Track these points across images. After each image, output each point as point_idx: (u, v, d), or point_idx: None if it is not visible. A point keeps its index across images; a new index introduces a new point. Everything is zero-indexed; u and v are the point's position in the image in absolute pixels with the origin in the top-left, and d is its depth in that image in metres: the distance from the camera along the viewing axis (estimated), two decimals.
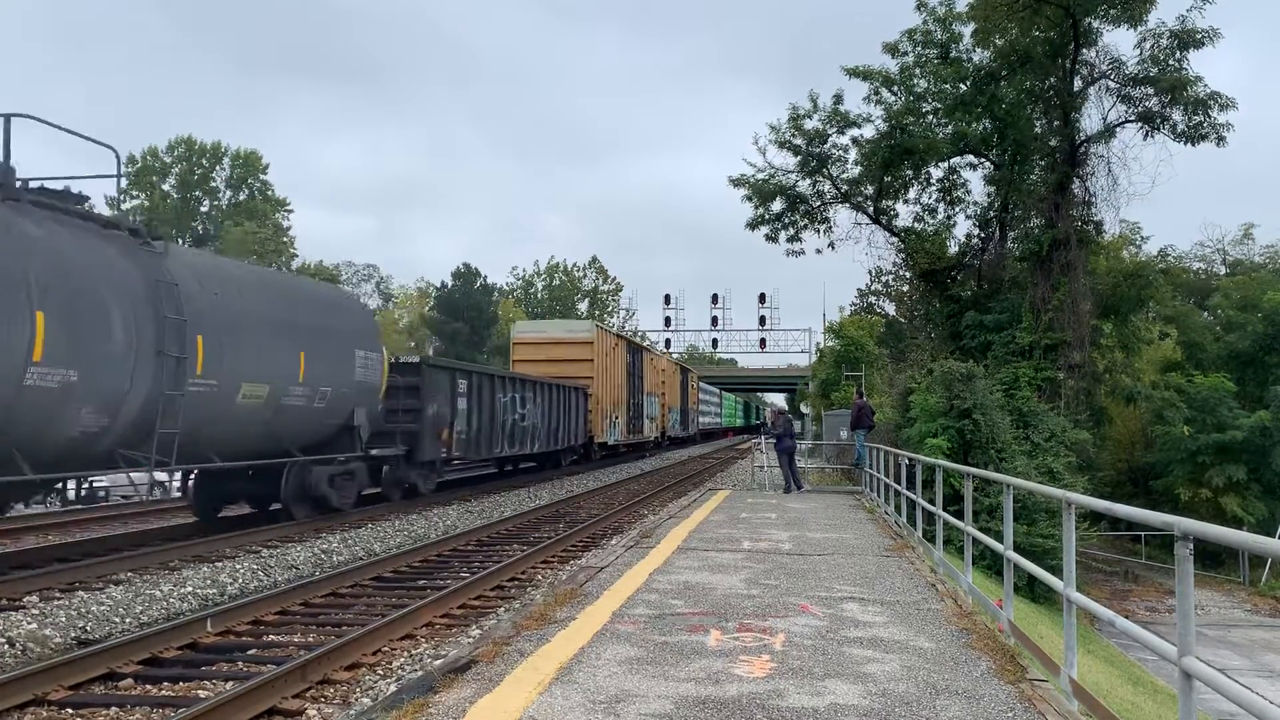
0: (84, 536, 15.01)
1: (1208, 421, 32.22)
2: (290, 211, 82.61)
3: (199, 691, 7.28)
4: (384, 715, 5.19)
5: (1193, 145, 24.85)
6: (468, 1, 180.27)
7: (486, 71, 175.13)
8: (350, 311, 18.28)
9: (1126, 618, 5.77)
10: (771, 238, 30.02)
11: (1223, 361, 38.60)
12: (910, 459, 13.77)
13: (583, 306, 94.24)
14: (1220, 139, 24.50)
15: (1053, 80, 26.33)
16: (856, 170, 29.18)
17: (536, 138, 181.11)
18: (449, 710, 5.10)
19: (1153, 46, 24.65)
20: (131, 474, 14.53)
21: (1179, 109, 24.68)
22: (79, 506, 19.96)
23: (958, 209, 29.39)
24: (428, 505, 19.80)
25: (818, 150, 28.93)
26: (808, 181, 29.49)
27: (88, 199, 12.35)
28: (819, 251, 30.85)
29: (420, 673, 7.10)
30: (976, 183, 29.59)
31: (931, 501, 11.09)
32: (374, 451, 17.84)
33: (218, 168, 78.97)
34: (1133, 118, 25.58)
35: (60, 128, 12.18)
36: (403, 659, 8.26)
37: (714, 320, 73.63)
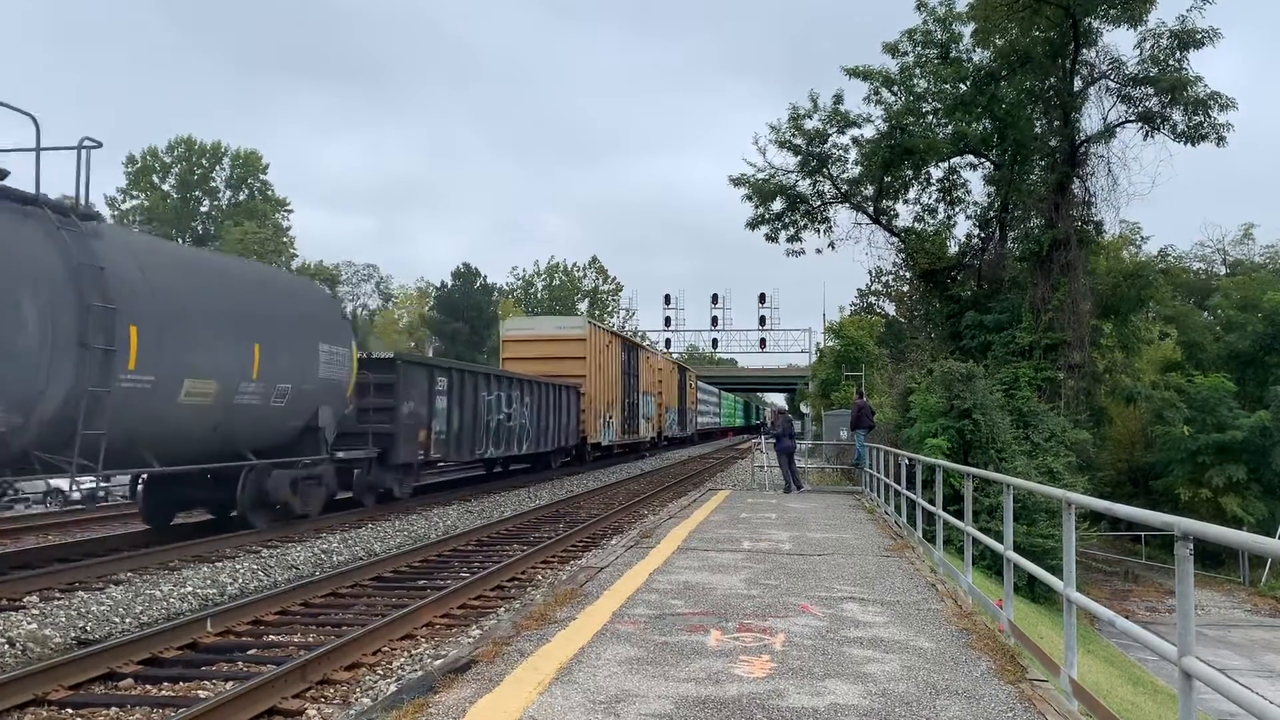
0: (84, 536, 15.01)
1: (1208, 421, 32.22)
2: (290, 211, 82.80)
3: (199, 691, 7.28)
4: (384, 715, 5.19)
5: (1193, 145, 24.89)
6: (468, 1, 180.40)
7: (487, 71, 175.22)
8: (314, 302, 16.91)
9: (1126, 618, 5.77)
10: (771, 238, 30.06)
11: (1223, 361, 38.60)
12: (910, 459, 13.77)
13: (583, 306, 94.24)
14: (1220, 139, 24.52)
15: (1053, 80, 26.34)
16: (856, 170, 29.23)
17: (537, 137, 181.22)
18: (449, 710, 5.10)
19: (1153, 46, 24.68)
20: (52, 480, 13.60)
21: (1179, 109, 24.69)
22: (79, 506, 19.99)
23: (958, 209, 29.44)
24: (427, 506, 19.78)
25: (818, 150, 28.94)
26: (808, 181, 29.53)
27: (4, 173, 10.80)
28: (819, 251, 30.91)
29: (420, 673, 7.10)
30: (976, 183, 29.67)
31: (931, 501, 11.09)
32: (341, 454, 16.72)
33: (218, 168, 79.04)
34: (1133, 118, 25.60)
35: None
36: (403, 659, 8.26)
37: (714, 320, 73.67)
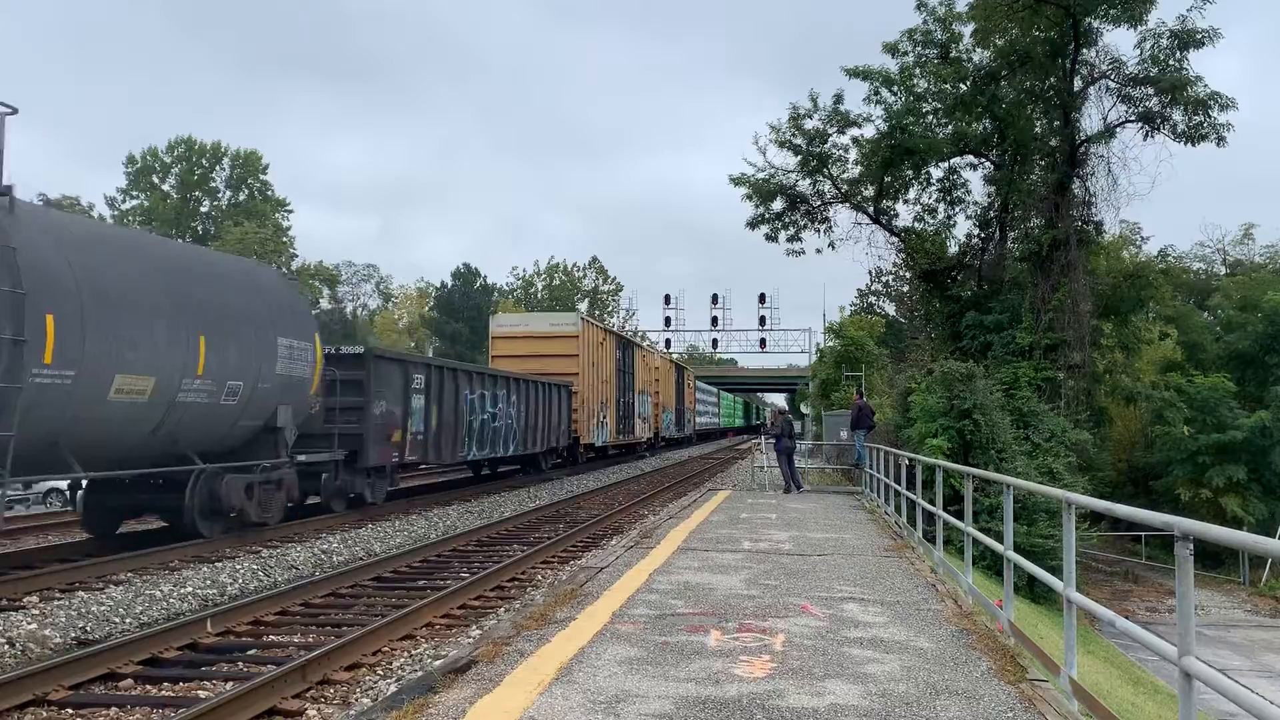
0: (84, 537, 15.02)
1: (1208, 421, 32.20)
2: (290, 211, 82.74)
3: (199, 691, 7.28)
4: (384, 715, 5.19)
5: (1193, 145, 24.89)
6: (469, 1, 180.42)
7: (488, 71, 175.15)
8: (272, 291, 15.46)
9: (1126, 618, 5.77)
10: (771, 237, 30.05)
11: (1223, 361, 38.61)
12: (910, 459, 13.78)
13: (583, 306, 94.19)
14: (1220, 139, 24.51)
15: (1053, 80, 26.34)
16: (856, 170, 29.22)
17: (538, 137, 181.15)
18: (449, 710, 5.10)
19: (1153, 46, 24.66)
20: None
21: (1179, 109, 24.69)
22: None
23: (958, 209, 29.41)
24: (427, 506, 19.78)
25: (818, 150, 28.93)
26: (808, 181, 29.51)
27: None
28: (819, 251, 30.88)
29: (420, 673, 7.10)
30: (976, 183, 29.61)
31: (931, 502, 11.09)
32: (302, 457, 15.58)
33: (218, 168, 79.00)
34: (1133, 118, 25.60)
35: None
36: (403, 659, 8.26)
37: (714, 320, 73.60)
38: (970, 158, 28.71)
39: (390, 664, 8.14)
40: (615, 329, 50.01)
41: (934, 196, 29.37)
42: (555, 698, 5.30)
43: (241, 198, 79.48)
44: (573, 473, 30.58)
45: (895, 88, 27.59)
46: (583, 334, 31.69)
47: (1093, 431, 25.69)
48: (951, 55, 27.24)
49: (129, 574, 11.55)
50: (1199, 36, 24.13)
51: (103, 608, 9.50)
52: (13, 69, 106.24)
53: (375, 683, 7.54)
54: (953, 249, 29.87)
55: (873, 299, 55.05)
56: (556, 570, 12.77)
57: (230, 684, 7.22)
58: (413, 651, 8.52)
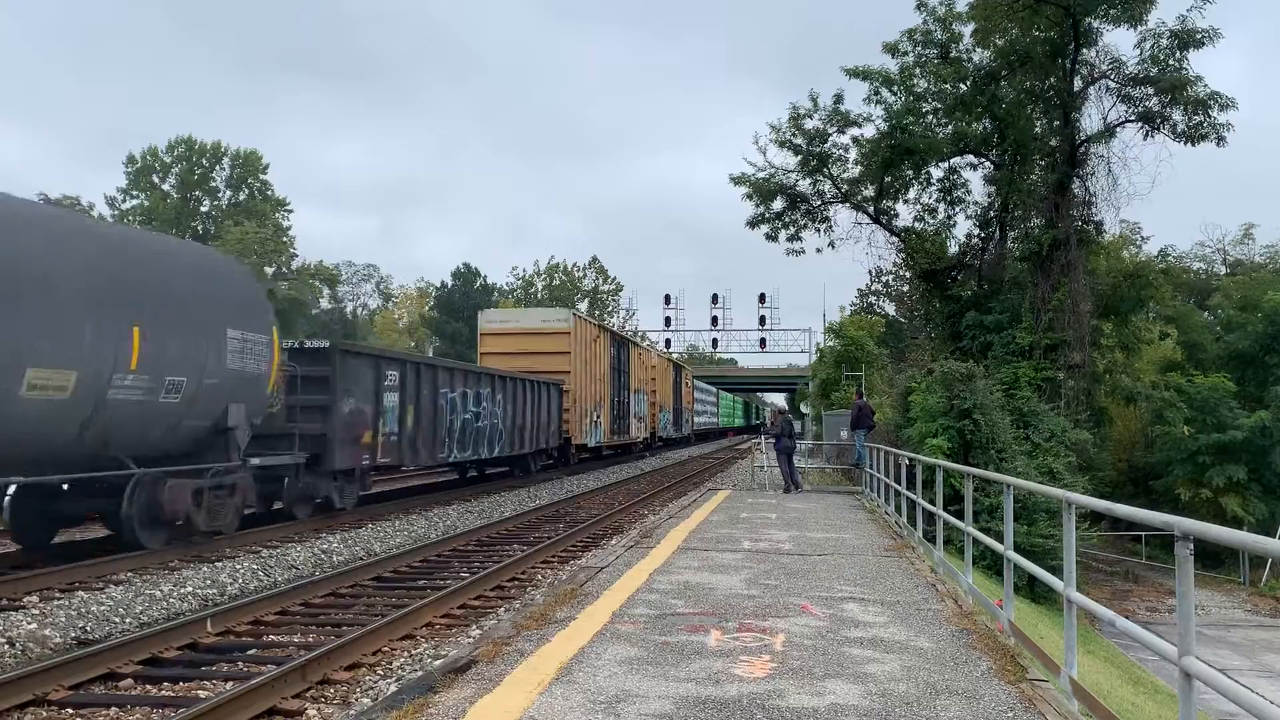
0: (83, 537, 15.00)
1: (1208, 421, 32.21)
2: (290, 211, 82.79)
3: (199, 691, 7.28)
4: (384, 715, 5.19)
5: (1193, 145, 24.91)
6: (470, 1, 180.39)
7: (488, 71, 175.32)
8: (220, 278, 14.03)
9: (1126, 618, 5.76)
10: (771, 237, 30.06)
11: (1223, 361, 38.61)
12: (910, 459, 13.78)
13: (583, 306, 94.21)
14: (1220, 139, 24.53)
15: (1053, 80, 26.35)
16: (857, 170, 29.23)
17: (538, 137, 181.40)
18: (449, 710, 5.10)
19: (1153, 46, 24.68)
20: None
21: (1179, 109, 24.71)
22: None
23: (958, 209, 29.43)
24: (427, 506, 19.77)
25: (818, 149, 28.95)
26: (808, 181, 29.53)
27: None
28: (819, 251, 30.93)
29: (420, 673, 7.10)
30: (976, 183, 29.65)
31: (931, 501, 11.09)
32: (256, 460, 14.29)
33: (218, 168, 79.03)
34: (1133, 118, 25.62)
35: None
36: (403, 659, 8.26)
37: (714, 320, 73.56)
38: (970, 158, 28.76)
39: (390, 664, 8.14)
40: (614, 328, 49.64)
41: (934, 196, 29.43)
42: (555, 698, 5.30)
43: (241, 198, 79.50)
44: (571, 473, 30.38)
45: (895, 88, 27.61)
46: (575, 330, 30.39)
47: (1093, 431, 25.70)
48: (951, 55, 27.25)
49: (129, 574, 11.54)
50: (1199, 36, 24.15)
51: (103, 607, 9.50)
52: (13, 69, 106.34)
53: (375, 683, 7.54)
54: (953, 249, 29.90)
55: (873, 299, 55.07)
56: (556, 570, 12.78)
57: (230, 684, 7.22)
58: (413, 651, 8.52)
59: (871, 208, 29.55)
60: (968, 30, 26.96)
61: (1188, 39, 24.20)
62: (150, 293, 12.01)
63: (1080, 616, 6.47)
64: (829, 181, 29.50)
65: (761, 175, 29.49)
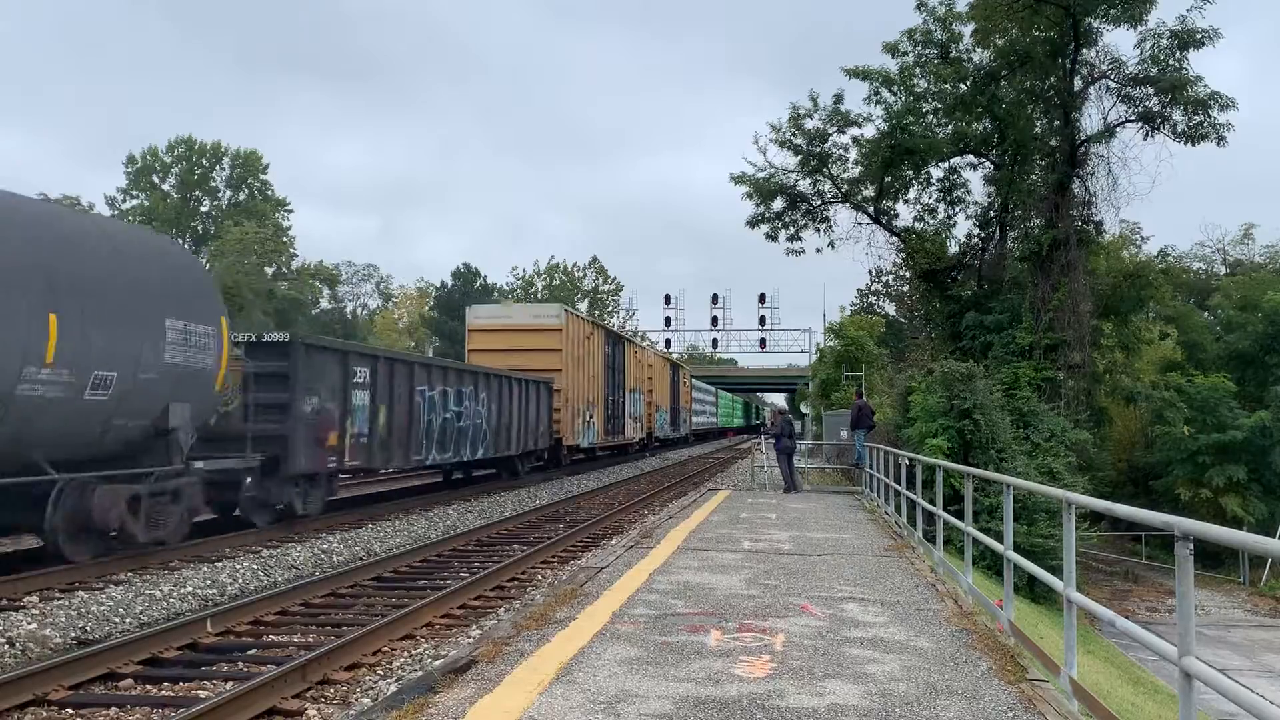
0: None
1: (1208, 421, 32.20)
2: (290, 211, 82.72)
3: (199, 691, 7.28)
4: (384, 715, 5.19)
5: (1193, 145, 24.93)
6: (469, 1, 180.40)
7: (488, 71, 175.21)
8: (157, 263, 12.60)
9: (1126, 618, 5.77)
10: (771, 236, 30.09)
11: (1223, 361, 38.61)
12: (910, 459, 13.78)
13: (583, 306, 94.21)
14: (1220, 139, 24.55)
15: (1053, 80, 26.37)
16: (856, 170, 29.26)
17: (538, 137, 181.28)
18: (449, 710, 5.10)
19: (1153, 46, 24.70)
20: None
21: (1179, 109, 24.73)
22: None
23: (958, 209, 29.47)
24: (427, 506, 19.76)
25: (818, 149, 28.97)
26: (808, 181, 29.56)
27: None
28: (819, 251, 30.95)
29: (420, 673, 7.10)
30: (976, 183, 29.68)
31: (931, 501, 11.09)
32: (200, 464, 13.08)
33: (218, 168, 79.02)
34: (1133, 118, 25.65)
35: None
36: (403, 659, 8.26)
37: (714, 320, 73.53)
38: (970, 158, 28.79)
39: (390, 664, 8.14)
40: (614, 328, 49.36)
41: (934, 196, 29.47)
42: (555, 698, 5.30)
43: (241, 198, 79.49)
44: (571, 473, 30.25)
45: (895, 88, 27.64)
46: (566, 327, 29.22)
47: (1093, 431, 25.71)
48: (951, 55, 27.27)
49: (129, 574, 11.54)
50: (1199, 36, 24.16)
51: (103, 607, 9.50)
52: (13, 69, 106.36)
53: (375, 683, 7.54)
54: (953, 249, 29.92)
55: (873, 299, 55.03)
56: (556, 570, 12.78)
57: (230, 684, 7.22)
58: (413, 651, 8.53)
59: (871, 208, 29.57)
60: (968, 30, 27.01)
61: (1188, 39, 24.22)
62: (70, 278, 10.73)
63: (1080, 616, 6.47)
64: (829, 181, 29.54)
65: (761, 175, 29.56)
